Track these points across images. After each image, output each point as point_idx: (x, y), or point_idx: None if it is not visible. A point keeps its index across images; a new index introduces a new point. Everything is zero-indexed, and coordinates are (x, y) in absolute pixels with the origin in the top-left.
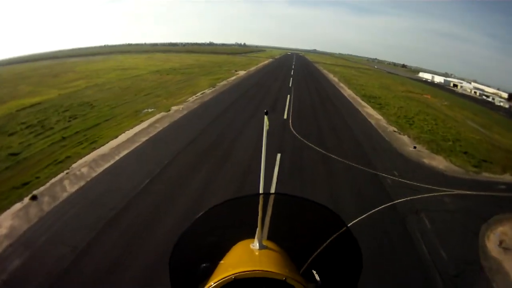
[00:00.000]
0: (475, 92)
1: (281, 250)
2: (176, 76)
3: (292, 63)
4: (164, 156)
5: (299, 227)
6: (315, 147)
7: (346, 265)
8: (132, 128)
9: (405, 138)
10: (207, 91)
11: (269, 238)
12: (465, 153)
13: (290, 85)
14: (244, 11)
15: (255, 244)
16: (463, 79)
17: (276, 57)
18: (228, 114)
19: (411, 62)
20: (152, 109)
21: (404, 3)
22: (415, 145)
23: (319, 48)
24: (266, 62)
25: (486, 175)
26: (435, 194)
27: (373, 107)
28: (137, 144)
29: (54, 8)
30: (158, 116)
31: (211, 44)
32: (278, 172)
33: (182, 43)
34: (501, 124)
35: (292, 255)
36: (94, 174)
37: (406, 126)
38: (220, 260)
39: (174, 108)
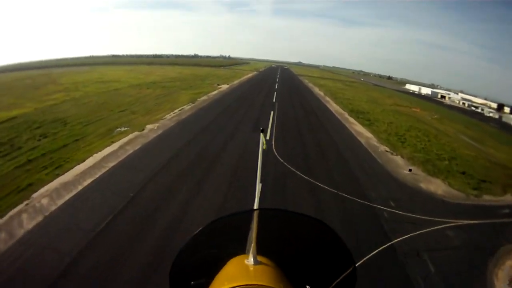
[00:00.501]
0: (463, 103)
1: (275, 265)
2: (156, 91)
3: (277, 76)
4: (130, 186)
5: (293, 241)
6: (301, 174)
7: (339, 278)
8: (101, 150)
9: (398, 159)
10: (186, 107)
11: (263, 253)
12: (463, 173)
13: (274, 100)
14: (229, 23)
15: (249, 260)
16: (449, 90)
17: (260, 70)
18: (205, 135)
19: (397, 74)
20: (126, 128)
21: (392, 14)
22: (410, 168)
23: (304, 60)
24: (250, 75)
25: (487, 198)
26: (437, 227)
27: (361, 123)
28: (103, 171)
29: (44, 18)
30: (131, 136)
31: (195, 56)
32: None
33: (166, 55)
34: (493, 137)
35: (286, 270)
36: (53, 208)
37: (398, 145)
38: (216, 275)
39: (149, 126)
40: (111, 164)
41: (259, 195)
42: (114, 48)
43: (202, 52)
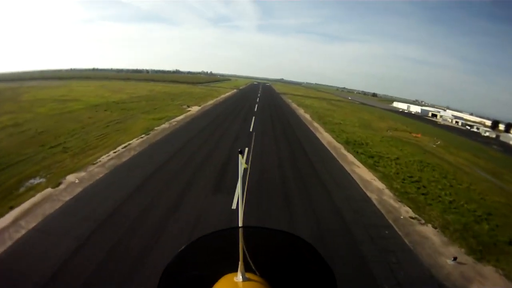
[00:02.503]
0: (456, 122)
1: (264, 282)
2: (112, 114)
3: (257, 95)
4: None
5: (278, 258)
6: None
7: None
8: None
9: (430, 231)
10: (136, 141)
11: (252, 270)
12: (510, 243)
13: (251, 130)
14: (213, 39)
15: (238, 277)
16: (434, 106)
17: (240, 88)
18: (140, 199)
19: (380, 90)
20: (41, 180)
21: (375, 30)
22: (454, 256)
23: (286, 77)
24: (228, 93)
25: None
26: None
27: (364, 162)
28: None
29: (32, 29)
30: (38, 197)
31: (177, 71)
32: None
33: (146, 70)
34: (506, 166)
35: (274, 286)
36: None
37: (421, 201)
38: None
39: (70, 178)
40: None
41: (242, 211)
42: (97, 61)
43: (184, 67)
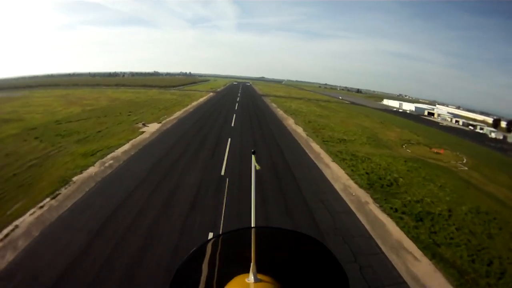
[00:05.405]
0: (457, 122)
1: (276, 283)
2: (39, 145)
3: (236, 99)
4: None
5: (291, 259)
6: None
7: None
8: None
9: None
10: (29, 218)
11: (263, 271)
12: None
13: (222, 173)
14: (192, 39)
15: (250, 278)
16: (418, 100)
17: (218, 90)
18: None
19: (363, 85)
20: None
21: (356, 26)
22: None
23: (267, 75)
24: (202, 98)
25: None
26: None
27: (417, 239)
28: None
29: (11, 35)
30: None
31: (155, 73)
32: None
33: (123, 73)
34: None
35: (286, 287)
36: None
37: None
38: None
39: None
40: None
41: (254, 211)
42: (78, 65)
43: (163, 69)
